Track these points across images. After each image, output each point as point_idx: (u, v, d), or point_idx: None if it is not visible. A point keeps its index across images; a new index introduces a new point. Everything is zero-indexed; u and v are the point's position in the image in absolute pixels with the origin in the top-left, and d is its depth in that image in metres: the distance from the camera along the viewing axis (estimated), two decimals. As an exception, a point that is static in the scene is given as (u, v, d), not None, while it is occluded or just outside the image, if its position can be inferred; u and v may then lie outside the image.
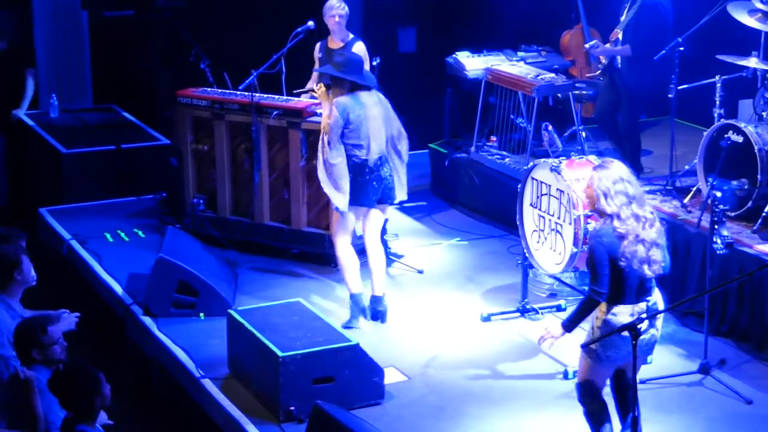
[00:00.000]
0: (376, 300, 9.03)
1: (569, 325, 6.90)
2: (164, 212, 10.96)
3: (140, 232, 10.61)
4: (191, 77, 10.76)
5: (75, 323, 7.36)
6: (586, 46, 10.88)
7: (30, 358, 6.69)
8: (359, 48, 10.31)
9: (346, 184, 8.71)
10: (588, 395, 7.02)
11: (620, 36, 10.39)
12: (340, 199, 8.74)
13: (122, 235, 10.55)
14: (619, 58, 10.44)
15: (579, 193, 8.33)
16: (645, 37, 10.22)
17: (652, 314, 6.71)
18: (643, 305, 6.78)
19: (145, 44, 12.56)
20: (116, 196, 11.38)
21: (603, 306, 6.77)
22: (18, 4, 13.03)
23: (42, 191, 11.86)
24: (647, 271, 6.71)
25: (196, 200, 10.45)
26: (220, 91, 10.44)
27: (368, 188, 8.84)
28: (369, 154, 8.80)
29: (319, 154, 8.80)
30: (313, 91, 9.10)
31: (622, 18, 10.40)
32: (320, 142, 8.80)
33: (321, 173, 8.78)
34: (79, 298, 9.76)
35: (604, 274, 6.67)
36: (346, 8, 10.29)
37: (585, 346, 6.83)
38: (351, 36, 10.37)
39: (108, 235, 10.52)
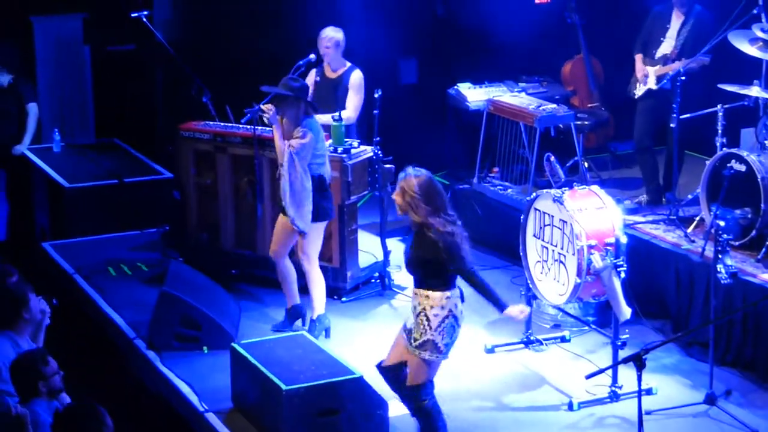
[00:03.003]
0: (299, 308, 9.38)
1: (503, 304, 7.43)
2: (167, 246, 10.94)
3: (143, 266, 10.60)
4: (193, 111, 10.78)
5: (49, 310, 7.41)
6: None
7: (35, 391, 6.68)
8: (356, 77, 10.35)
9: (310, 205, 8.94)
10: (429, 395, 7.38)
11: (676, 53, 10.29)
12: (307, 220, 8.95)
13: (125, 269, 10.54)
14: (667, 80, 10.22)
15: (582, 224, 8.34)
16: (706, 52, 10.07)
17: (662, 343, 6.70)
18: (457, 289, 7.38)
19: (147, 78, 12.59)
20: (119, 230, 11.37)
21: (433, 293, 7.23)
22: (20, 39, 13.07)
23: (45, 226, 11.85)
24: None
25: (199, 233, 10.45)
26: (222, 124, 10.45)
27: (330, 200, 9.14)
28: (327, 169, 9.09)
29: (287, 175, 8.86)
30: (262, 111, 9.15)
31: (670, 37, 10.29)
32: (289, 162, 8.83)
33: (288, 194, 8.89)
34: (82, 333, 9.75)
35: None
36: (335, 37, 10.34)
37: (421, 346, 7.25)
38: (348, 65, 10.41)
39: (111, 269, 10.51)
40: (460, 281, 7.38)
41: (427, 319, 7.24)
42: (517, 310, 7.46)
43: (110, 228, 11.36)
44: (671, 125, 9.82)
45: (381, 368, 7.58)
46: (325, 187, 9.08)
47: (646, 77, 10.42)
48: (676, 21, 10.39)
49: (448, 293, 7.28)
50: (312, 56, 10.25)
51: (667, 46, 10.38)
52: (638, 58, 10.54)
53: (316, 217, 9.02)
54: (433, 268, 7.27)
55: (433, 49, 13.15)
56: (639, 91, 10.50)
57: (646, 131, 10.61)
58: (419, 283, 7.34)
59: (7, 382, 7.00)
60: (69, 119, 13.31)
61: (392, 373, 7.51)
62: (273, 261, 9.26)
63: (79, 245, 11.14)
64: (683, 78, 9.65)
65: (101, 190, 11.56)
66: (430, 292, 7.26)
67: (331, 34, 10.39)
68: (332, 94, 10.45)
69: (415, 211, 7.26)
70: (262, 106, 9.15)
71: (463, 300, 7.38)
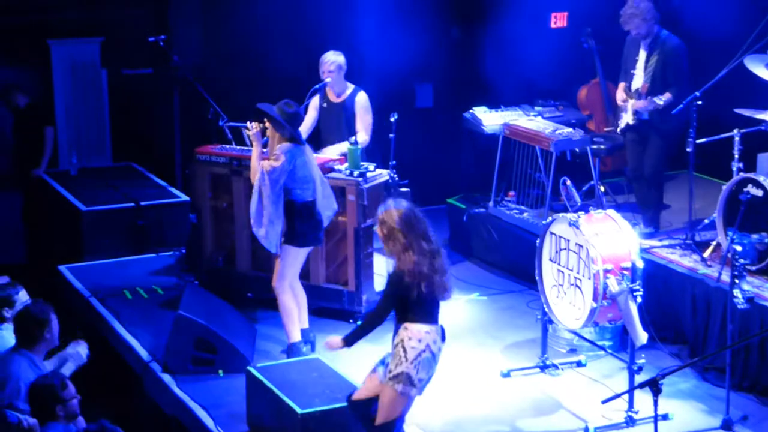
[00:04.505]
0: (306, 333, 9.21)
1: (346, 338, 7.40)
2: (183, 269, 10.97)
3: (159, 289, 10.62)
4: (210, 135, 10.81)
5: (86, 356, 7.41)
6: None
7: (53, 415, 6.69)
8: (361, 98, 10.34)
9: (279, 226, 8.92)
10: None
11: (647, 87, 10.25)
12: (274, 242, 8.95)
13: (141, 292, 10.56)
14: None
15: (598, 249, 8.33)
16: (677, 81, 10.07)
17: (679, 368, 6.67)
18: (438, 326, 7.22)
19: (163, 102, 12.63)
20: (135, 253, 11.41)
21: (412, 325, 7.11)
22: (38, 62, 13.14)
23: (61, 249, 11.88)
24: (442, 296, 7.23)
25: (215, 256, 10.47)
26: (238, 148, 10.48)
27: (316, 228, 9.08)
28: (315, 194, 9.03)
29: (257, 195, 8.91)
30: (246, 128, 9.20)
31: (639, 70, 10.26)
32: (261, 182, 8.88)
33: (255, 213, 8.94)
34: (98, 356, 9.76)
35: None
36: (337, 60, 10.33)
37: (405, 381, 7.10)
38: (351, 87, 10.40)
39: (127, 292, 10.53)
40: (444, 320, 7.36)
41: (404, 351, 7.11)
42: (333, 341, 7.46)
43: (126, 251, 11.40)
44: (687, 149, 9.79)
45: (350, 402, 7.43)
46: (312, 213, 9.04)
47: (624, 109, 10.36)
48: (642, 53, 10.27)
49: (427, 327, 7.14)
50: (328, 80, 10.28)
51: (638, 80, 10.28)
52: (620, 87, 10.45)
53: (296, 243, 9.02)
54: (404, 301, 7.16)
55: (448, 73, 13.18)
56: (621, 123, 10.47)
57: (636, 163, 10.56)
58: (397, 314, 7.23)
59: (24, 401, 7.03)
60: (86, 143, 13.35)
61: (361, 408, 7.36)
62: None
63: (95, 268, 11.17)
64: (699, 103, 9.62)
65: (118, 214, 11.60)
66: (408, 324, 7.14)
67: (332, 57, 10.39)
68: (339, 118, 10.46)
69: (389, 243, 7.18)
70: (247, 123, 9.17)
71: (444, 339, 7.26)
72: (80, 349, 7.61)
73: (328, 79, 10.30)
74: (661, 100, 10.02)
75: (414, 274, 7.07)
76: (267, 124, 9.00)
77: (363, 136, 10.40)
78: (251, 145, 9.31)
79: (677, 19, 10.67)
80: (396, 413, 7.20)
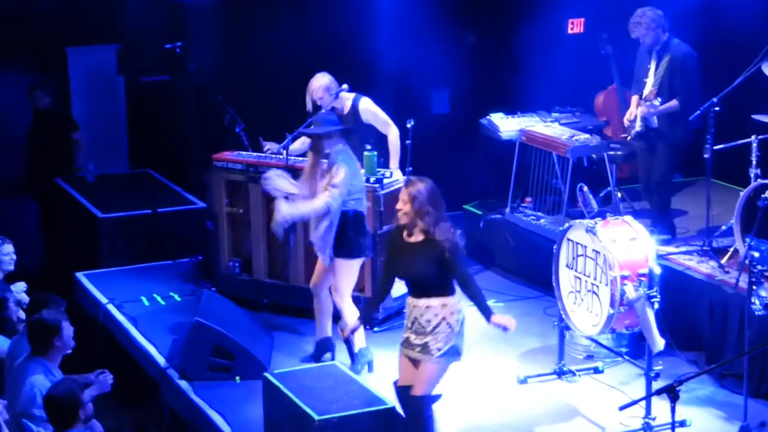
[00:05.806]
0: (328, 340, 9.30)
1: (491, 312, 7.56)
2: (200, 276, 10.98)
3: (176, 296, 10.63)
4: (226, 141, 10.83)
5: (110, 385, 7.41)
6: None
7: (76, 418, 6.71)
8: (365, 105, 10.14)
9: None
10: (431, 405, 7.44)
11: (655, 94, 10.24)
12: (329, 255, 8.96)
13: (158, 298, 10.58)
14: (654, 117, 10.24)
15: (615, 255, 8.31)
16: (685, 89, 10.10)
17: (696, 374, 6.65)
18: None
19: (180, 109, 12.66)
20: (152, 259, 11.42)
21: (449, 300, 7.36)
22: (55, 70, 13.18)
23: (78, 256, 11.91)
24: None
25: (232, 263, 10.49)
26: (255, 154, 10.49)
27: (368, 237, 9.11)
28: (364, 204, 9.07)
29: (329, 219, 8.86)
30: (277, 154, 9.25)
31: (650, 77, 10.24)
32: (328, 200, 8.80)
33: (324, 232, 8.89)
34: (115, 363, 9.78)
35: None
36: (322, 83, 9.89)
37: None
38: (351, 98, 10.12)
39: (144, 299, 10.55)
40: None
41: (450, 326, 7.36)
42: (505, 319, 7.55)
43: (143, 258, 11.41)
44: (705, 156, 9.77)
45: (398, 387, 7.65)
46: (363, 224, 9.03)
47: (633, 122, 10.33)
48: (653, 61, 10.23)
49: (457, 297, 7.44)
50: (345, 86, 10.24)
51: (648, 88, 10.24)
52: (633, 99, 10.39)
53: (353, 254, 8.99)
54: (442, 274, 7.36)
55: (465, 79, 13.18)
56: (631, 132, 10.44)
57: (647, 171, 10.53)
58: (431, 292, 7.38)
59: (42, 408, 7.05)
60: (103, 150, 13.39)
61: (406, 392, 7.56)
62: (312, 293, 9.25)
63: (112, 275, 11.19)
64: (717, 109, 9.60)
65: (135, 220, 11.62)
66: (446, 299, 7.37)
67: (317, 83, 9.89)
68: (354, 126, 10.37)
69: (423, 218, 7.31)
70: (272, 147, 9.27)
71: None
72: (106, 378, 7.60)
73: (345, 86, 10.15)
74: (657, 101, 10.02)
75: (453, 239, 7.31)
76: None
77: (393, 132, 10.13)
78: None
79: (697, 24, 10.63)
80: (436, 384, 7.46)
